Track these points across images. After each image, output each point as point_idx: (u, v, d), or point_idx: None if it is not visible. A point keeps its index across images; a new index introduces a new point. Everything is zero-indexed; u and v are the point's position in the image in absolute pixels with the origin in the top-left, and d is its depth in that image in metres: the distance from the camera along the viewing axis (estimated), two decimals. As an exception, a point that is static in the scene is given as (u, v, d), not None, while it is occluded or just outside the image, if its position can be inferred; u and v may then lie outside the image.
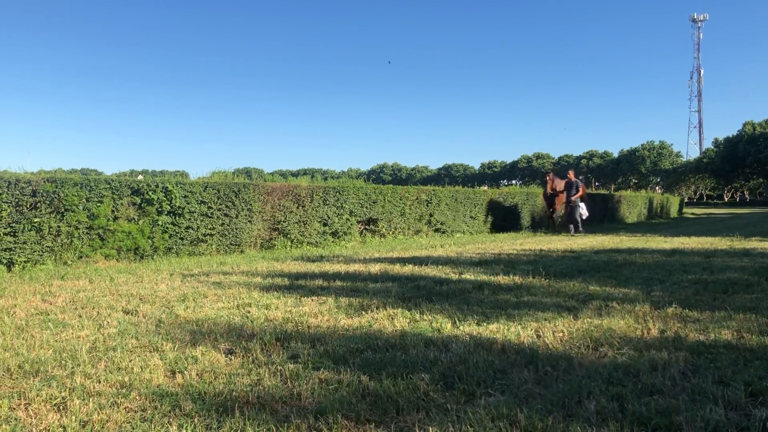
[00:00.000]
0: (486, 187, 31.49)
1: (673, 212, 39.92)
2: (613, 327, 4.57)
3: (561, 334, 4.39)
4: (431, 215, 17.85)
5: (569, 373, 3.49)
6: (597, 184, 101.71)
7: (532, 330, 4.55)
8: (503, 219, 20.73)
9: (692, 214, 46.08)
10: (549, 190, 20.34)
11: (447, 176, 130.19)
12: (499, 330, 4.54)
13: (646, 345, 4.06)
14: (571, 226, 18.95)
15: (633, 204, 30.79)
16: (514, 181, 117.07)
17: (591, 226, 24.24)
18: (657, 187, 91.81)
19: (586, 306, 5.49)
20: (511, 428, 2.72)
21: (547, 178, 20.82)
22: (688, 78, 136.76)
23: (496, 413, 2.87)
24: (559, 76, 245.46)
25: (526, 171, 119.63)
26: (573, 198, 19.28)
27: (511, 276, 7.49)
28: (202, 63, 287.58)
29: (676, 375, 3.41)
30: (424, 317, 5.10)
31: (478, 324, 4.78)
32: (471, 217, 19.32)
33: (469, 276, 7.77)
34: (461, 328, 4.67)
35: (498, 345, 4.09)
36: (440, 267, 8.90)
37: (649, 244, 13.33)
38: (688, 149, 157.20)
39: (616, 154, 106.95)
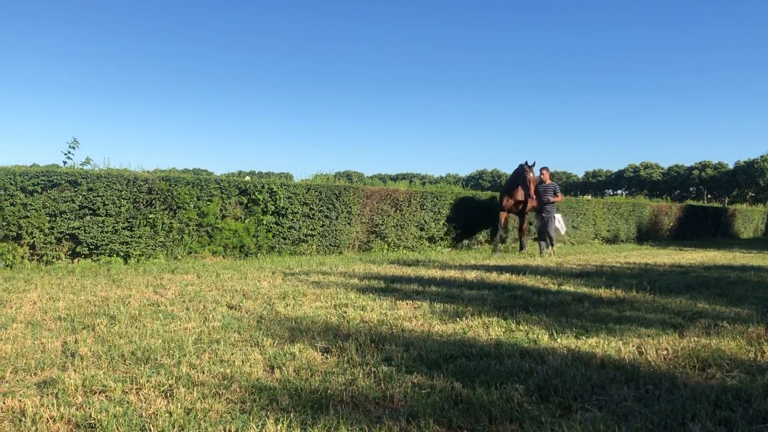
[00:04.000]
0: (590, 197, 30.58)
1: (796, 229, 37.21)
2: (723, 348, 4.32)
3: (665, 352, 4.20)
4: (530, 224, 17.50)
5: (673, 393, 3.33)
6: (709, 196, 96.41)
7: (633, 346, 4.38)
8: (606, 230, 20.06)
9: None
10: (531, 193, 14.14)
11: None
12: (598, 344, 4.40)
13: (760, 369, 3.82)
14: (543, 243, 14.18)
15: (749, 219, 28.98)
16: (619, 191, 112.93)
17: (701, 240, 23.03)
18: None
19: (693, 324, 5.22)
20: (607, 446, 2.63)
21: (529, 175, 14.08)
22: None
23: (592, 429, 2.78)
24: (671, 80, 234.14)
25: (633, 181, 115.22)
26: (551, 201, 14.04)
27: (614, 289, 7.24)
28: (306, 67, 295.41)
29: (793, 403, 3.18)
30: (521, 327, 5.01)
31: (576, 337, 4.65)
32: (573, 227, 18.81)
33: (568, 287, 7.57)
34: (559, 340, 4.55)
35: (597, 359, 3.97)
36: (538, 277, 8.72)
37: (766, 262, 12.51)
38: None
39: (731, 166, 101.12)
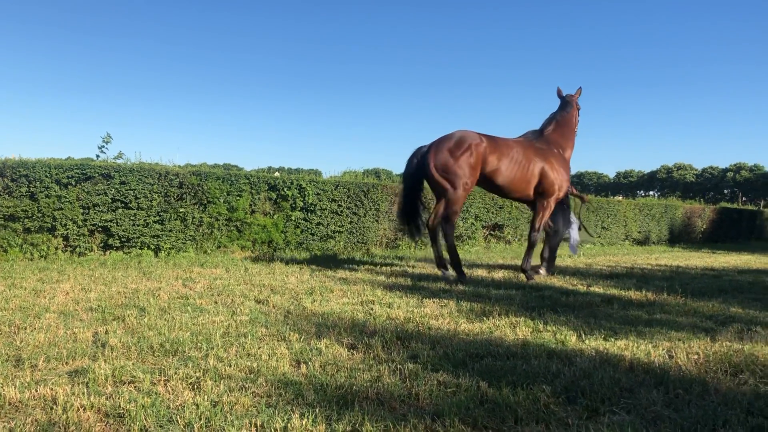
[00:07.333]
0: (621, 198, 30.20)
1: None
2: (756, 353, 4.23)
3: (696, 356, 4.12)
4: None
5: (703, 399, 3.27)
6: (744, 199, 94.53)
7: (663, 349, 4.31)
8: (637, 231, 19.79)
9: None
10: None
11: (578, 184, 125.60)
12: (627, 347, 4.34)
13: (794, 376, 3.73)
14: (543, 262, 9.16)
15: (786, 222, 28.34)
16: (651, 192, 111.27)
17: (735, 243, 22.60)
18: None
19: (725, 328, 5.12)
20: (635, 450, 2.59)
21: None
22: None
23: (620, 433, 2.74)
24: (706, 79, 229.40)
25: (666, 182, 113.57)
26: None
27: (644, 291, 7.13)
28: (337, 66, 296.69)
29: (829, 411, 3.10)
30: (548, 328, 4.96)
31: (605, 339, 4.59)
32: (603, 228, 18.59)
33: (597, 289, 7.49)
34: (587, 342, 4.50)
35: (626, 362, 3.91)
36: (567, 278, 8.63)
37: (802, 267, 12.22)
38: None
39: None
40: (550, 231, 9.12)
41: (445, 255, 8.25)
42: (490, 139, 8.16)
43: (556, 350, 4.20)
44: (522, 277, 8.52)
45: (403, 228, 8.88)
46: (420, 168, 8.16)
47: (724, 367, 3.86)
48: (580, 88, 9.53)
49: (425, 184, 8.44)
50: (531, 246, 8.67)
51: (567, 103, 9.31)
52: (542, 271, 8.63)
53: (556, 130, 9.04)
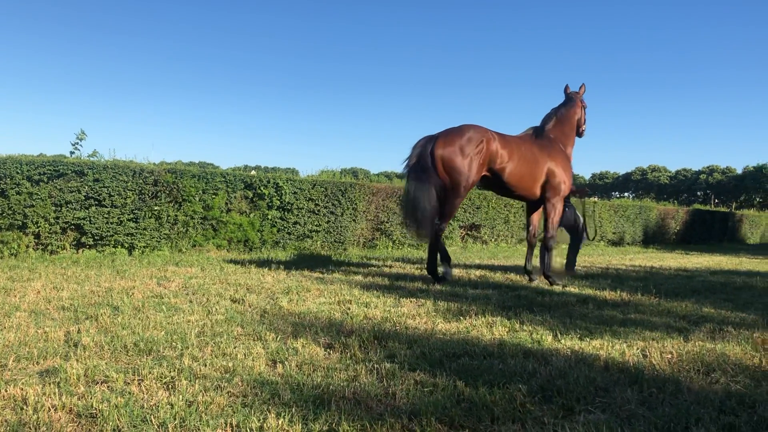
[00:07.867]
0: (596, 199, 30.51)
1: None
2: (728, 352, 4.29)
3: (669, 356, 4.17)
4: (536, 224, 17.45)
5: (676, 397, 3.31)
6: (716, 201, 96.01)
7: (638, 349, 4.35)
8: (612, 232, 20.00)
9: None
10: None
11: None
12: (602, 346, 4.37)
13: (765, 375, 3.79)
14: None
15: (756, 224, 28.88)
16: (626, 194, 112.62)
17: (708, 245, 22.95)
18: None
19: (698, 328, 5.19)
20: (610, 449, 2.61)
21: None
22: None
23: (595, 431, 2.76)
24: (681, 82, 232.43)
25: (640, 184, 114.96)
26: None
27: (618, 291, 7.20)
28: (314, 66, 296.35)
29: (798, 410, 3.15)
30: (524, 327, 4.99)
31: (580, 339, 4.63)
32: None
33: (572, 289, 7.55)
34: (562, 341, 4.53)
35: (601, 362, 3.94)
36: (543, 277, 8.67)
37: (772, 268, 12.44)
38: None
39: (739, 171, 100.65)
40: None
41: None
42: (500, 135, 7.76)
43: (532, 350, 4.22)
44: (497, 276, 8.56)
45: (421, 228, 7.69)
46: (428, 161, 7.39)
47: (697, 366, 3.91)
48: (583, 84, 9.16)
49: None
50: (548, 250, 8.31)
51: (569, 99, 8.96)
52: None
53: (556, 127, 8.68)
